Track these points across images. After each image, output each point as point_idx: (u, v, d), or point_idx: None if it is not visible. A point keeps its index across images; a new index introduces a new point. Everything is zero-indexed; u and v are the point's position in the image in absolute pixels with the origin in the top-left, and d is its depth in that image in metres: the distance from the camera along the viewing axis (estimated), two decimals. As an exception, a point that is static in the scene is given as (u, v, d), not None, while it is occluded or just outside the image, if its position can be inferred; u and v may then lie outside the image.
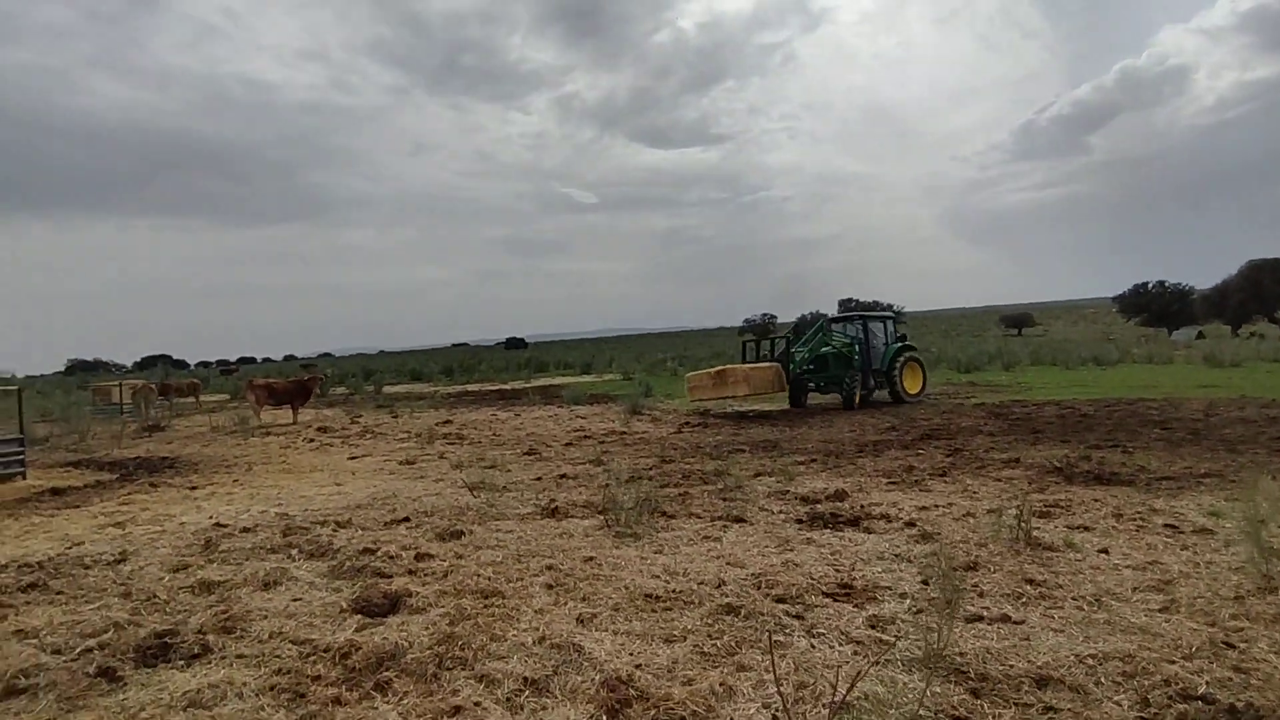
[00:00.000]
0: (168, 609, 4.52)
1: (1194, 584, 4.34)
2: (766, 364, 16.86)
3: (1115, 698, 3.05)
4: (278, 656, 3.70)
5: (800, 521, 6.32)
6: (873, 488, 7.68)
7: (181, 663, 3.68)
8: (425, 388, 35.31)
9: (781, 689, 2.76)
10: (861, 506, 6.70)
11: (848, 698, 2.90)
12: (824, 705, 2.92)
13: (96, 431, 18.28)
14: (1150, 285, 50.50)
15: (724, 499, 7.30)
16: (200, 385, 31.03)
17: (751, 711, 2.94)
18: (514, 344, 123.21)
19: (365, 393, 32.79)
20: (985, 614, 3.98)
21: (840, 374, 16.85)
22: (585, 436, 13.39)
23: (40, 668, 3.62)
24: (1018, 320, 76.33)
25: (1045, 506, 6.37)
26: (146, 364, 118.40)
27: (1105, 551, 5.05)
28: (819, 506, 6.78)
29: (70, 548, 6.24)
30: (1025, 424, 12.32)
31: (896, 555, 5.14)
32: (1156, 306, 49.36)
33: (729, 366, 17.07)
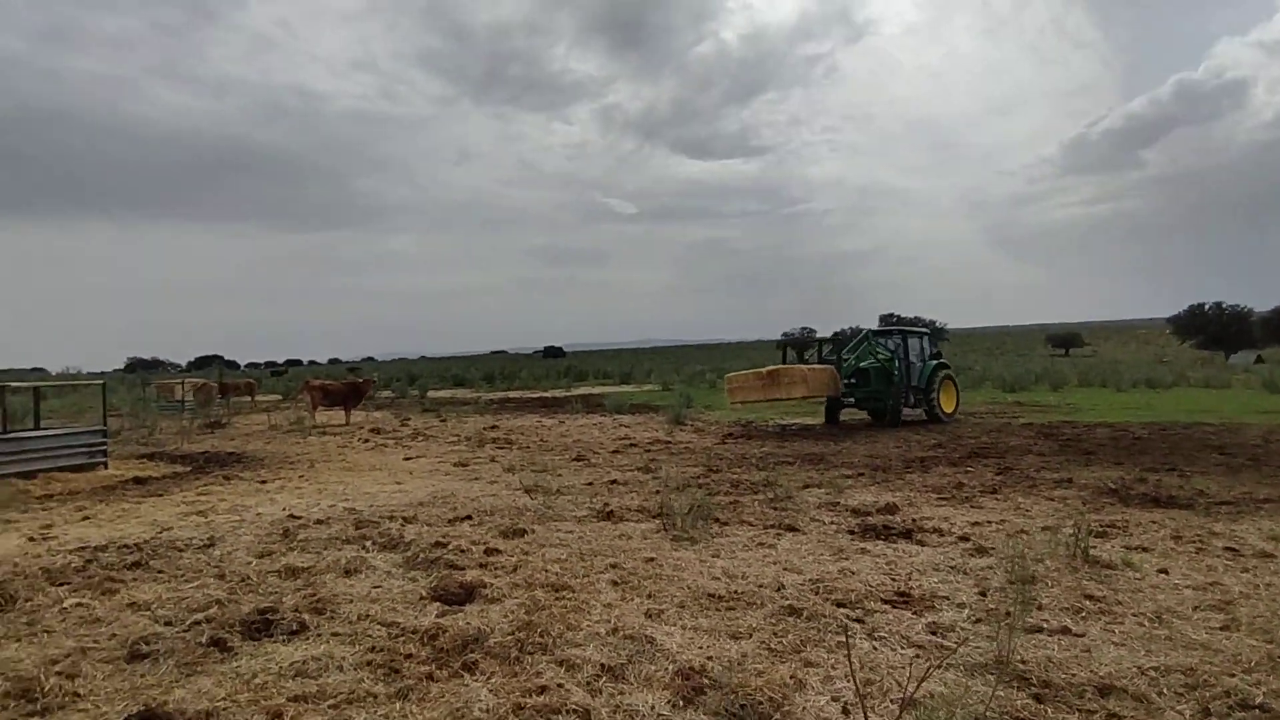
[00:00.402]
0: (260, 590, 4.85)
1: (1254, 604, 4.36)
2: (822, 366, 16.30)
3: (1177, 707, 3.14)
4: (369, 636, 3.98)
5: (852, 532, 6.43)
6: (923, 502, 7.74)
7: (283, 637, 3.98)
8: (468, 393, 35.99)
9: (856, 680, 2.91)
10: (913, 520, 6.78)
11: (915, 695, 3.05)
12: (891, 701, 3.07)
13: (163, 426, 19.16)
14: (1207, 306, 48.89)
15: (775, 508, 7.44)
16: (256, 385, 32.14)
17: (822, 703, 3.11)
18: (552, 353, 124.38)
19: (411, 397, 33.52)
20: (1045, 626, 4.07)
21: (881, 389, 16.38)
22: (631, 444, 13.61)
23: (157, 636, 3.96)
24: (1065, 340, 74.49)
25: (1101, 526, 6.37)
26: (201, 363, 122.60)
27: (1165, 571, 5.07)
28: (870, 519, 6.88)
29: (161, 532, 6.67)
30: (1076, 445, 12.16)
31: (952, 567, 5.23)
32: (1213, 328, 47.74)
33: (784, 366, 16.25)
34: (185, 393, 25.28)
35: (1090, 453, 11.23)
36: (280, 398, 35.12)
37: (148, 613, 4.38)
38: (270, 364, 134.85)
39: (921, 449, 12.21)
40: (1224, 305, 47.67)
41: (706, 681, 3.29)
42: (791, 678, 3.28)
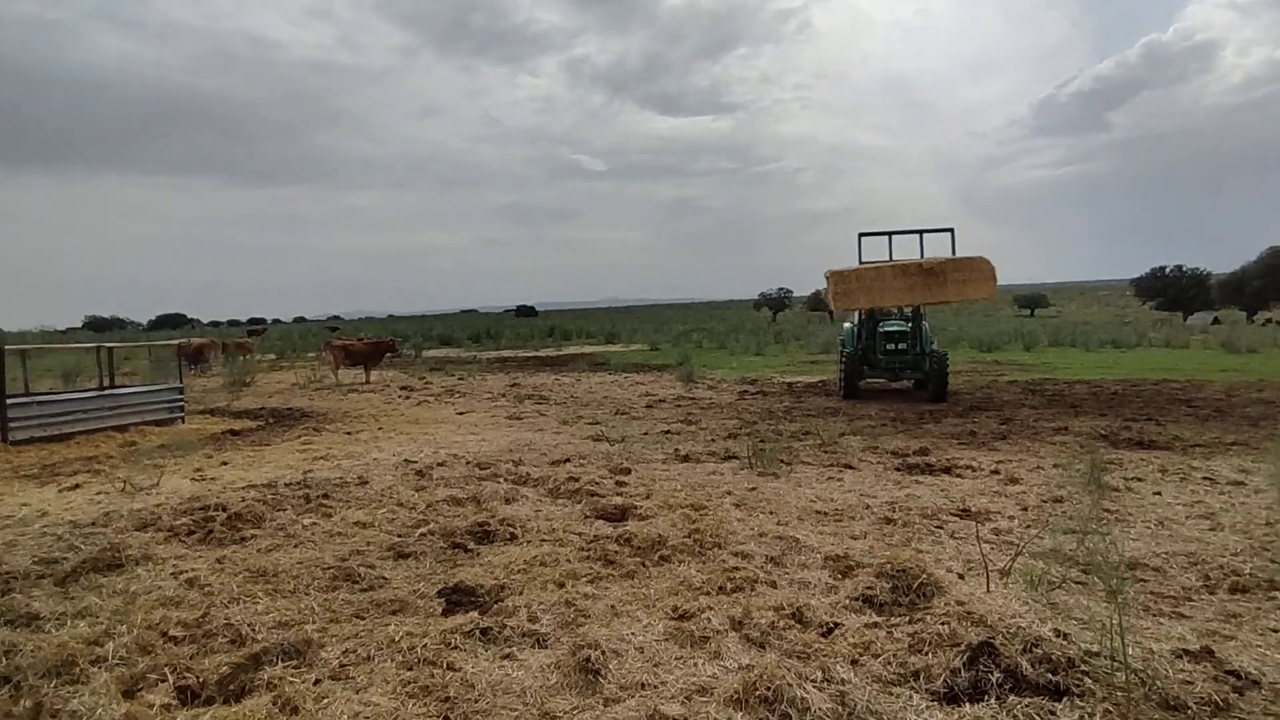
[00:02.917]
0: (445, 514, 5.91)
1: (1232, 515, 5.71)
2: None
3: (1185, 575, 4.44)
4: (571, 541, 5.11)
5: (899, 469, 7.71)
6: (947, 447, 9.04)
7: (503, 543, 5.09)
8: (460, 353, 36.70)
9: (981, 548, 4.13)
10: (947, 460, 8.06)
11: (1009, 567, 4.29)
12: (993, 570, 4.31)
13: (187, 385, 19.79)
14: (1168, 269, 51.38)
15: (825, 452, 8.68)
16: (253, 346, 32.47)
17: (942, 573, 4.33)
18: (525, 311, 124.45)
19: (406, 356, 34.08)
20: (1077, 530, 5.35)
21: (916, 355, 14.14)
22: (659, 400, 14.76)
23: (403, 543, 5.04)
24: (1032, 301, 77.14)
25: (1102, 463, 7.72)
26: (162, 322, 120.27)
27: (1159, 493, 6.43)
28: (909, 459, 8.15)
29: (306, 474, 7.66)
30: (1062, 399, 13.64)
31: (995, 492, 6.53)
32: (1173, 291, 50.27)
33: (954, 258, 12.61)
34: (212, 352, 25.72)
35: (1075, 406, 12.69)
36: (275, 357, 35.51)
37: (374, 529, 5.45)
38: (234, 322, 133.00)
39: (926, 403, 13.55)
40: (1184, 268, 50.20)
41: (852, 563, 4.51)
42: (917, 555, 4.50)
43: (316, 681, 3.07)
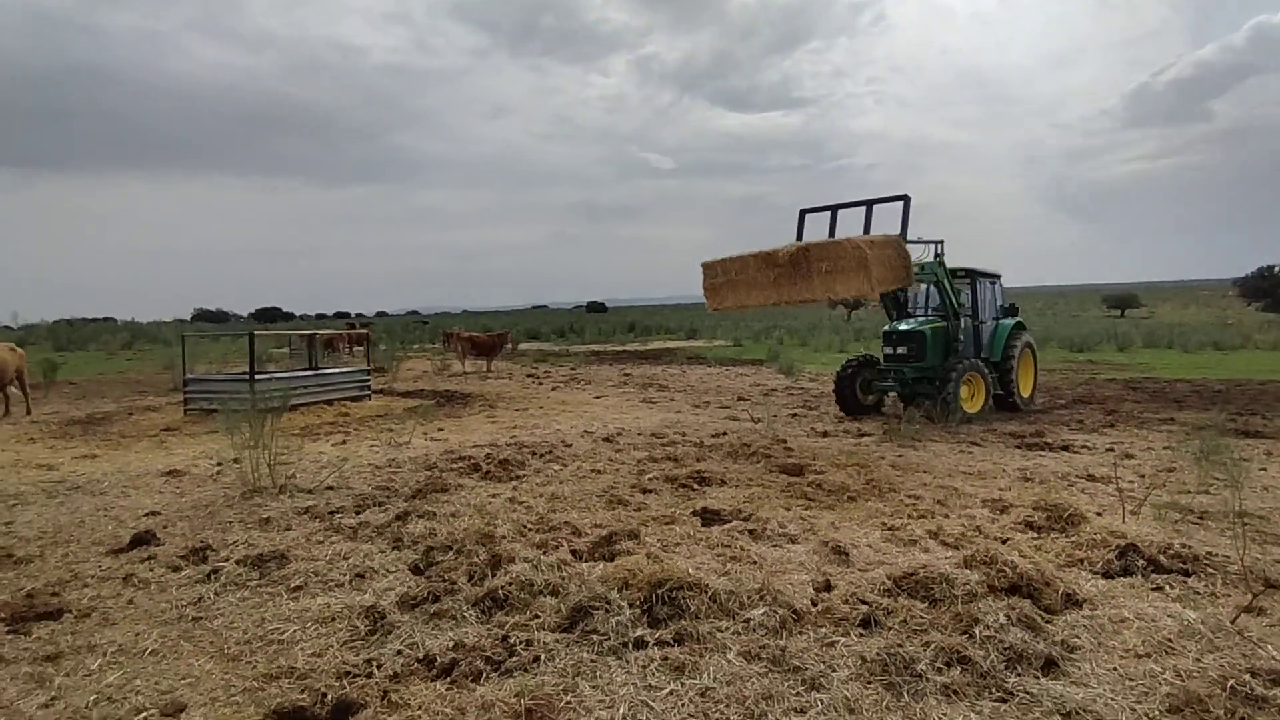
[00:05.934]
0: (655, 470, 7.40)
1: (1333, 485, 6.66)
2: (884, 237, 9.50)
3: (1288, 522, 5.51)
4: (771, 486, 6.52)
5: (1019, 447, 8.81)
6: (1060, 431, 10.04)
7: (718, 486, 6.54)
8: (550, 347, 38.75)
9: (1120, 489, 5.32)
10: (1062, 440, 9.11)
11: (1140, 508, 5.47)
12: (1128, 512, 5.49)
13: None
14: (1276, 268, 49.14)
15: (948, 432, 9.83)
16: (372, 336, 35.30)
17: (1084, 510, 5.54)
18: (595, 308, 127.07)
19: (506, 350, 36.27)
20: (1191, 490, 6.43)
21: (936, 364, 10.98)
22: (772, 390, 16.06)
23: (639, 484, 6.55)
24: (1122, 301, 74.39)
25: (1213, 442, 8.62)
26: (262, 315, 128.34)
27: (1264, 469, 7.39)
28: (1027, 440, 9.22)
29: (511, 439, 9.33)
30: (1164, 395, 14.23)
31: (1112, 464, 7.59)
32: (1282, 292, 48.09)
33: (817, 241, 9.69)
34: (344, 345, 28.31)
35: (1178, 401, 13.33)
36: (383, 349, 38.39)
37: (609, 475, 7.00)
38: (321, 315, 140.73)
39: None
40: (1294, 267, 47.95)
41: (1006, 504, 5.76)
42: (1062, 497, 5.72)
43: (661, 548, 4.57)
